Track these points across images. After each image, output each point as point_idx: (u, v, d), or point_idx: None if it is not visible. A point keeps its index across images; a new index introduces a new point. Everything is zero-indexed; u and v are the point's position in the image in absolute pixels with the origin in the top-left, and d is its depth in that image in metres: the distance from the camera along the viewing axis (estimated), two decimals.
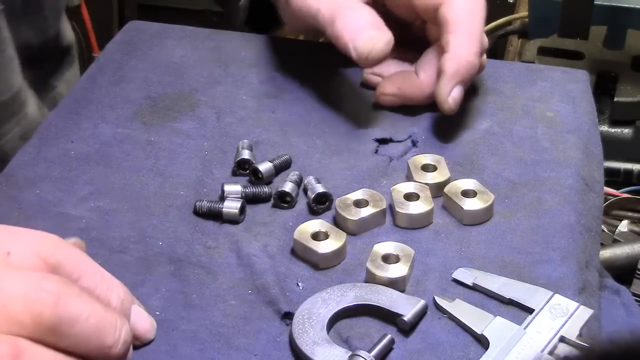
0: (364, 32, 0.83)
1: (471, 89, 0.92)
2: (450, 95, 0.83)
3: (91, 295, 0.61)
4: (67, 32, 1.16)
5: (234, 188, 0.78)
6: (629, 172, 1.41)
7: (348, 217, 0.75)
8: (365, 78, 0.92)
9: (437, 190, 0.78)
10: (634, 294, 1.18)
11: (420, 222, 0.76)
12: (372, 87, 0.92)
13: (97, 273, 0.63)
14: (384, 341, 0.65)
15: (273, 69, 0.96)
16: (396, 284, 0.70)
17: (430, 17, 0.87)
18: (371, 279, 0.70)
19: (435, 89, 0.84)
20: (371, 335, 0.67)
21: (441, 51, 0.84)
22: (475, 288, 0.70)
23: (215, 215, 0.77)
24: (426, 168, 0.80)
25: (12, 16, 0.99)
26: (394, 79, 0.90)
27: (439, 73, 0.84)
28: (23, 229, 0.63)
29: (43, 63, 1.05)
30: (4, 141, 0.99)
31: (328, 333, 0.66)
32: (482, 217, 0.77)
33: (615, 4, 1.45)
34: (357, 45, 0.83)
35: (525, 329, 0.66)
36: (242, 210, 0.77)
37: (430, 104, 0.88)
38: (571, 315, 0.67)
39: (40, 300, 0.56)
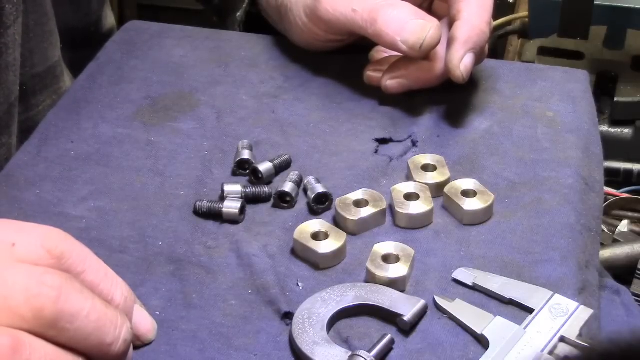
0: (410, 24, 0.83)
1: (471, 88, 0.93)
2: (462, 62, 0.83)
3: (94, 290, 0.61)
4: (109, 18, 1.18)
5: (234, 188, 0.78)
6: (629, 172, 1.42)
7: (348, 217, 0.75)
8: (368, 76, 0.92)
9: (437, 190, 0.78)
10: (634, 294, 1.19)
11: (420, 222, 0.76)
12: (376, 85, 0.91)
13: (102, 269, 0.63)
14: (384, 341, 0.65)
15: (273, 69, 0.96)
16: (396, 284, 0.70)
17: None
18: (371, 279, 0.70)
19: (446, 57, 0.85)
20: (371, 335, 0.67)
21: (451, 22, 0.85)
22: (475, 288, 0.70)
23: (215, 215, 0.77)
24: (426, 168, 0.80)
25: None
26: (398, 65, 0.89)
27: (450, 42, 0.84)
28: (29, 223, 0.63)
29: (83, 46, 1.07)
30: (36, 112, 1.00)
31: (328, 333, 0.66)
32: (482, 217, 0.77)
33: (615, 4, 1.45)
34: (407, 37, 0.84)
35: (525, 329, 0.66)
36: (242, 210, 0.77)
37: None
38: (571, 315, 0.67)
39: (42, 294, 0.57)
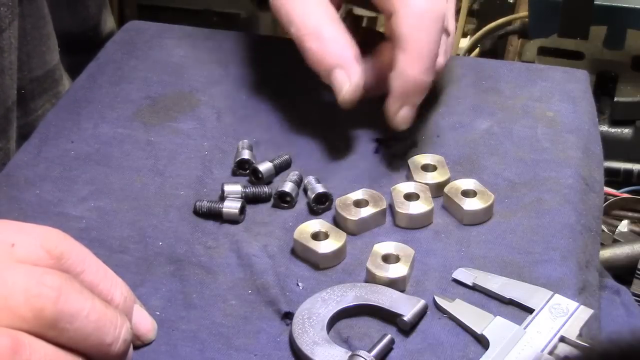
0: (334, 71, 0.80)
1: (471, 88, 0.93)
2: (399, 115, 0.80)
3: (94, 290, 0.61)
4: (109, 23, 1.17)
5: (234, 188, 0.78)
6: (629, 172, 1.42)
7: (348, 217, 0.75)
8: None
9: (437, 190, 0.78)
10: (634, 294, 1.18)
11: (420, 222, 0.76)
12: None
13: (101, 269, 0.63)
14: (384, 341, 0.65)
15: (273, 69, 0.96)
16: (396, 284, 0.70)
17: (386, 17, 0.83)
18: (371, 279, 0.70)
19: (384, 105, 0.81)
20: (371, 335, 0.67)
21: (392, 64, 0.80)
22: (475, 288, 0.70)
23: (215, 215, 0.77)
24: (426, 168, 0.80)
25: (55, 1, 1.01)
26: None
27: (388, 91, 0.80)
28: (28, 223, 0.63)
29: (81, 51, 1.06)
30: (35, 117, 1.00)
31: (328, 333, 0.66)
32: (482, 217, 0.77)
33: (615, 4, 1.45)
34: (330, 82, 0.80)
35: (525, 329, 0.66)
36: (242, 210, 0.77)
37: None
38: (571, 315, 0.67)
39: (42, 295, 0.57)
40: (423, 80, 0.78)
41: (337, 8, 0.84)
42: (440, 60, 0.82)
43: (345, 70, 0.79)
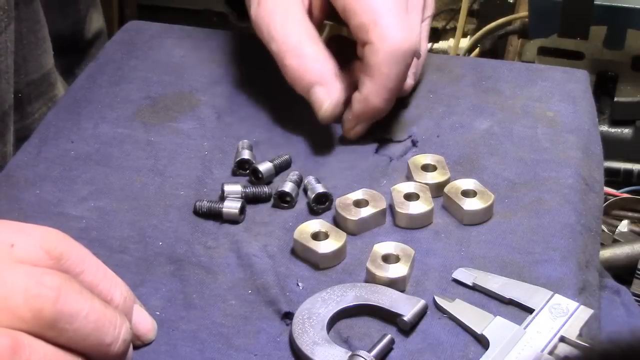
0: (314, 88, 0.82)
1: (471, 88, 0.93)
2: (353, 131, 0.85)
3: (93, 290, 0.61)
4: (95, 22, 1.17)
5: (234, 188, 0.78)
6: (629, 172, 1.42)
7: (348, 217, 0.75)
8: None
9: (437, 190, 0.78)
10: (634, 294, 1.19)
11: (420, 222, 0.76)
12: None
13: (100, 269, 0.63)
14: (384, 341, 0.65)
15: (273, 69, 0.96)
16: (396, 284, 0.70)
17: (360, 43, 0.83)
18: (371, 279, 0.70)
19: (342, 118, 0.84)
20: (371, 335, 0.67)
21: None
22: (475, 288, 0.70)
23: (215, 215, 0.77)
24: (426, 168, 0.80)
25: (49, 4, 1.01)
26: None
27: (349, 108, 0.83)
28: (27, 224, 0.63)
29: (69, 52, 1.07)
30: (31, 120, 1.01)
31: (328, 333, 0.66)
32: (482, 217, 0.77)
33: (615, 4, 1.45)
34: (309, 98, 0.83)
35: (525, 329, 0.66)
36: (242, 210, 0.77)
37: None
38: (571, 315, 0.67)
39: (41, 295, 0.57)
40: (382, 109, 0.82)
41: (318, 25, 0.86)
42: (409, 81, 0.87)
43: (325, 88, 0.82)
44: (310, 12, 0.86)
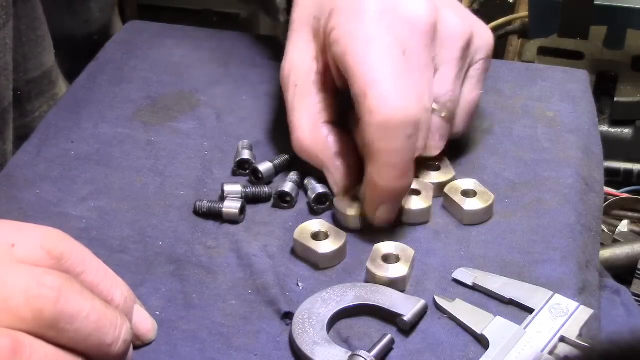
0: (323, 169, 0.78)
1: None
2: (376, 216, 0.75)
3: (94, 290, 0.61)
4: (117, 27, 1.15)
5: (234, 188, 0.78)
6: (629, 172, 1.42)
7: (348, 212, 0.75)
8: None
9: (441, 190, 0.78)
10: (634, 294, 1.19)
11: (415, 218, 0.76)
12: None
13: (101, 269, 0.63)
14: (384, 341, 0.65)
15: (273, 69, 0.96)
16: (396, 284, 0.70)
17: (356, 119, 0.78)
18: (371, 279, 0.70)
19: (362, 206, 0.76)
20: (371, 335, 0.67)
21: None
22: (475, 288, 0.70)
23: (215, 215, 0.77)
24: (429, 167, 0.80)
25: (53, 3, 1.00)
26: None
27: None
28: (28, 224, 0.63)
29: (87, 55, 1.04)
30: (31, 118, 1.00)
31: (328, 333, 0.66)
32: (482, 217, 0.76)
33: (615, 4, 1.45)
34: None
35: (525, 329, 0.66)
36: (242, 210, 0.77)
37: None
38: (571, 315, 0.67)
39: (42, 295, 0.57)
40: (393, 188, 0.73)
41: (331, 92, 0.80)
42: (434, 143, 0.78)
43: (328, 171, 0.78)
44: (325, 82, 0.79)
